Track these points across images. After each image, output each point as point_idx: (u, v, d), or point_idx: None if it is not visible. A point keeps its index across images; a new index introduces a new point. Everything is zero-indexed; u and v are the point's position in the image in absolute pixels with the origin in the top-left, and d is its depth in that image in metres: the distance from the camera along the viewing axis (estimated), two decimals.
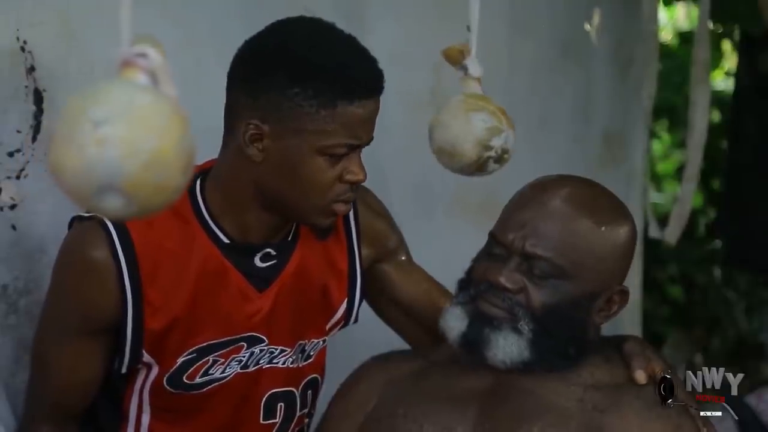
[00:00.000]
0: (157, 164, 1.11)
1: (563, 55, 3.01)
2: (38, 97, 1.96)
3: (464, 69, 1.83)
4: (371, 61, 1.73)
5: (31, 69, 1.94)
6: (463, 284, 1.77)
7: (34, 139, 1.96)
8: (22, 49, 1.92)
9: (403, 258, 2.03)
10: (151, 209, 1.15)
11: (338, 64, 1.69)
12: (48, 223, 1.97)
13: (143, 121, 1.11)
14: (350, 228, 1.92)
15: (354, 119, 1.70)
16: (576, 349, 1.75)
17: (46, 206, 1.96)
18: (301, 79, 1.67)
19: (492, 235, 1.76)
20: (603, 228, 1.72)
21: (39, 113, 1.96)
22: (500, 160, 1.83)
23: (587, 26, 3.05)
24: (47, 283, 1.84)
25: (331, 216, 1.77)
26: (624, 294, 1.77)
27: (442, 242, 2.06)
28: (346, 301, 1.93)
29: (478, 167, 1.83)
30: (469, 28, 1.80)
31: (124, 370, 1.80)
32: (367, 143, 1.75)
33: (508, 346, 1.71)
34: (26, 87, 1.94)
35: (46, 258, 1.98)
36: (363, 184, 1.79)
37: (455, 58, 1.82)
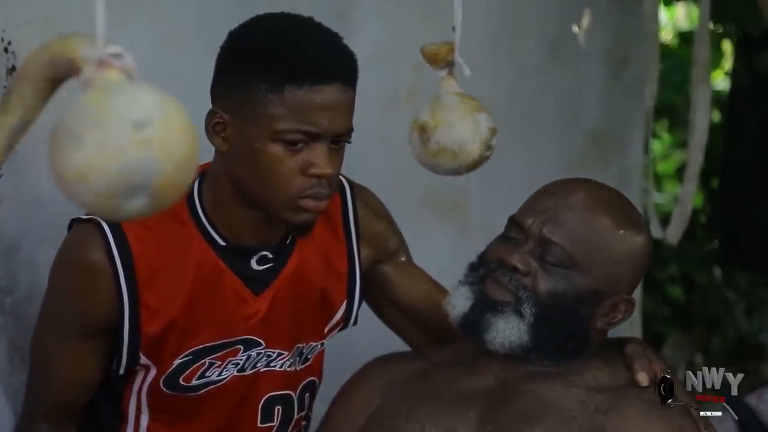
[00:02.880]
0: (185, 163, 1.12)
1: (551, 55, 3.00)
2: None
3: (450, 67, 1.80)
4: (335, 49, 1.68)
5: (12, 69, 1.92)
6: (473, 266, 1.78)
7: None
8: (6, 50, 1.92)
9: (403, 259, 2.01)
10: (163, 207, 1.16)
11: (291, 49, 1.65)
12: (21, 222, 1.97)
13: (175, 121, 1.11)
14: (350, 229, 1.91)
15: (305, 105, 1.64)
16: (574, 347, 1.75)
17: (18, 205, 1.95)
18: (254, 64, 1.65)
19: (511, 219, 1.77)
20: (621, 231, 1.74)
21: None
22: (489, 159, 1.83)
23: (575, 28, 3.05)
24: (23, 281, 1.83)
25: (299, 212, 1.69)
26: (630, 304, 1.77)
27: (413, 241, 2.05)
28: (345, 302, 1.92)
29: (473, 167, 1.82)
30: (454, 28, 1.78)
31: (121, 371, 1.80)
32: (336, 135, 1.68)
33: (508, 329, 1.71)
34: (5, 87, 1.91)
35: (19, 256, 1.98)
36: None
37: (443, 56, 1.79)
